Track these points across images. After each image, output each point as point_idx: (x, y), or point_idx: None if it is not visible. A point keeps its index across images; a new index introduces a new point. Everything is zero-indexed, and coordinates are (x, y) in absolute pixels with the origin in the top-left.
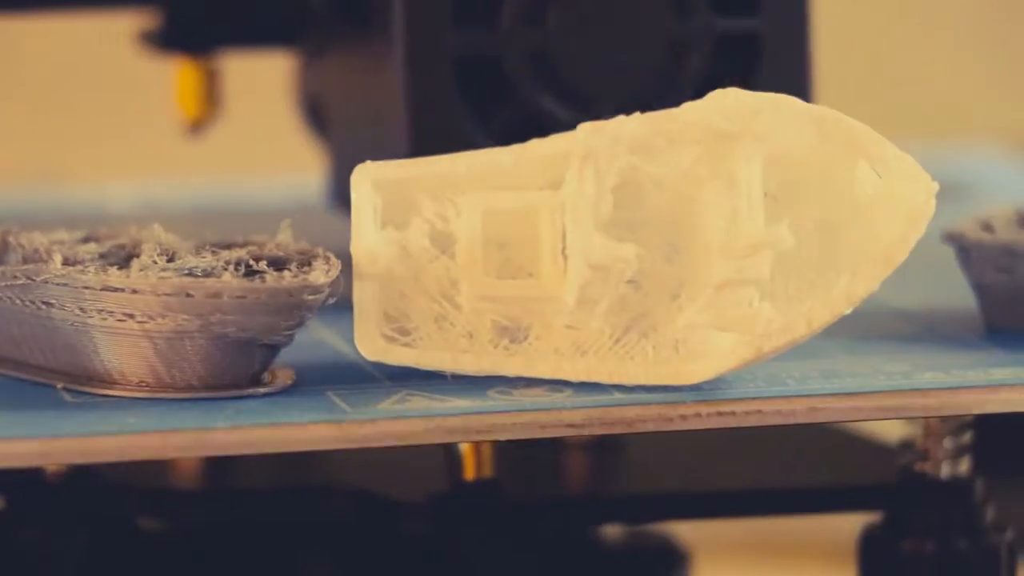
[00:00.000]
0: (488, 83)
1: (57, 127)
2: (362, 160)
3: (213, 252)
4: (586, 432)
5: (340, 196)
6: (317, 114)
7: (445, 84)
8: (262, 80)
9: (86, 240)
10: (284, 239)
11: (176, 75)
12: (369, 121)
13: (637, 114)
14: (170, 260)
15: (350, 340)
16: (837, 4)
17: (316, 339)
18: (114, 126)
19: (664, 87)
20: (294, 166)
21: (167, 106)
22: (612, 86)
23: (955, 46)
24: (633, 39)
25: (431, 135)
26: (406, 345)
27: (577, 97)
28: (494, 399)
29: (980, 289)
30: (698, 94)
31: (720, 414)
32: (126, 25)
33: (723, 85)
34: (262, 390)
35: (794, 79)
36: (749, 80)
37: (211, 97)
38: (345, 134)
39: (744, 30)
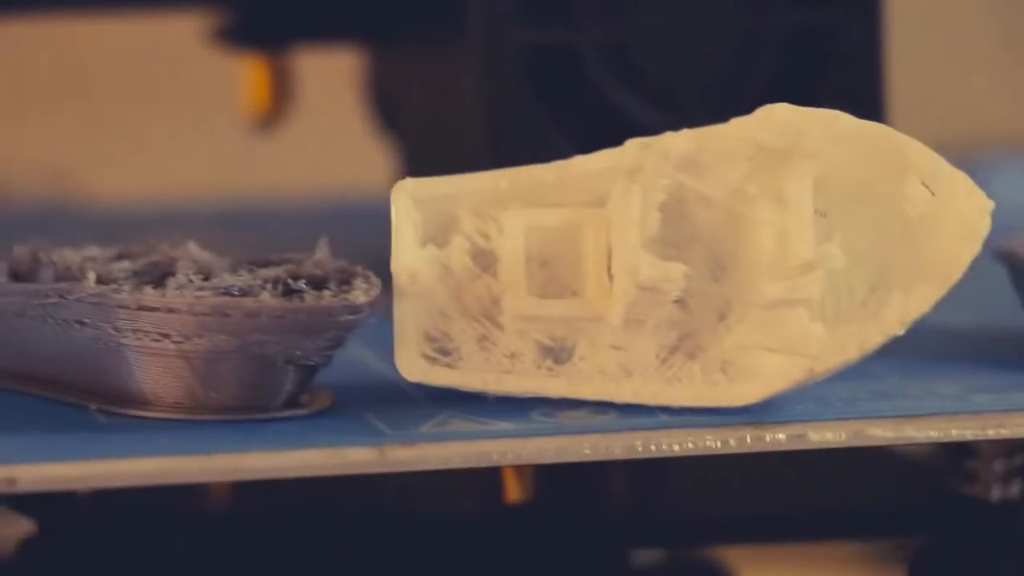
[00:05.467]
0: (564, 79)
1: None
2: (434, 157)
3: (250, 270)
4: (631, 456)
5: None
6: (388, 111)
7: (520, 80)
8: (332, 76)
9: (119, 257)
10: (322, 257)
11: (246, 71)
12: (442, 118)
13: (685, 130)
14: (206, 279)
15: (390, 360)
16: None
17: (355, 359)
18: (180, 127)
19: (739, 82)
20: (364, 164)
21: (235, 103)
22: (686, 81)
23: (984, 51)
24: (708, 34)
25: (506, 132)
26: (447, 366)
27: (653, 93)
28: (537, 422)
29: None
30: (772, 89)
31: (767, 440)
32: (189, 24)
33: (797, 80)
34: (300, 412)
35: (868, 74)
36: (822, 75)
37: (281, 93)
38: (417, 131)
39: (817, 24)
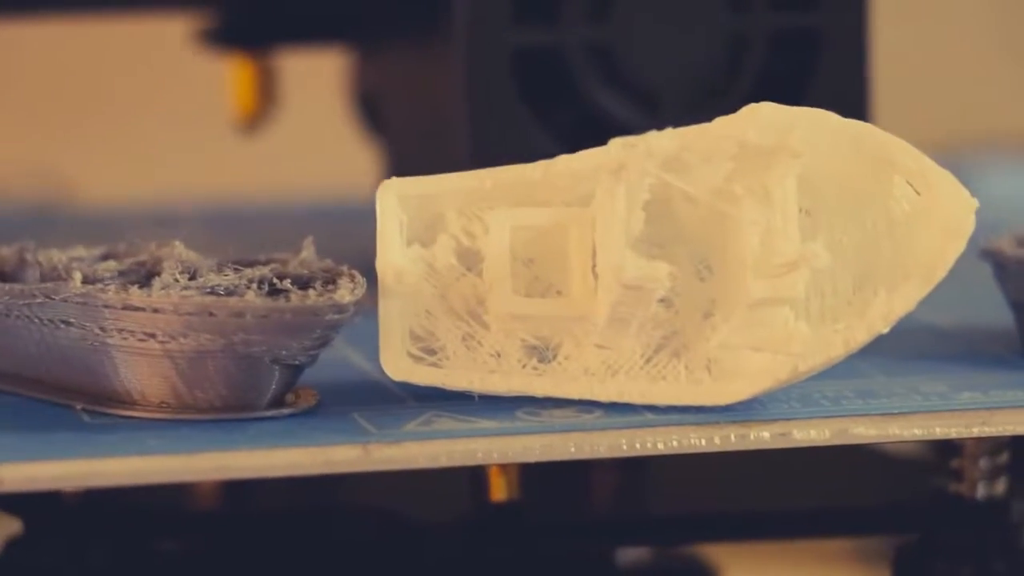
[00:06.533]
0: (549, 81)
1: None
2: (419, 158)
3: (235, 270)
4: (616, 455)
5: None
6: (372, 112)
7: (505, 81)
8: (317, 78)
9: (105, 257)
10: (307, 256)
11: (232, 72)
12: (427, 119)
13: (669, 129)
14: (192, 278)
15: (375, 360)
16: None
17: (340, 358)
18: (166, 128)
19: (723, 84)
20: (348, 165)
21: (218, 104)
22: (672, 83)
23: (974, 48)
24: (692, 35)
25: (491, 133)
26: (432, 365)
27: (638, 94)
28: (522, 420)
29: (1018, 307)
30: (757, 91)
31: (751, 438)
32: (173, 26)
33: (782, 81)
34: (286, 411)
35: (852, 75)
36: (808, 76)
37: (267, 94)
38: (402, 132)
39: (802, 26)
